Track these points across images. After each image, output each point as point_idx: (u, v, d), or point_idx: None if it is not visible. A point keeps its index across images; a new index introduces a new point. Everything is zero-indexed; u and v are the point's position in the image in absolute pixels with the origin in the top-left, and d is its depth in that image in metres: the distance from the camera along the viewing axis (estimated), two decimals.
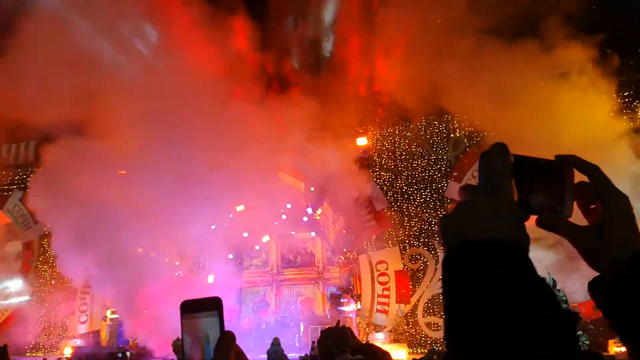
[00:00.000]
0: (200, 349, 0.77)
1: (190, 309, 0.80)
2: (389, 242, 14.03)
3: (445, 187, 13.90)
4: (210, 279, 14.56)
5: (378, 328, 13.31)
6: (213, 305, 0.80)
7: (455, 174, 13.91)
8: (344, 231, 15.23)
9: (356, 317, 14.22)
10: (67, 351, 12.87)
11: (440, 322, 12.94)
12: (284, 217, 16.15)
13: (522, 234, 0.61)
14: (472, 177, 13.69)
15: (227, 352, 0.73)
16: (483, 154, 0.67)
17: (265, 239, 17.93)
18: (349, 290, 15.25)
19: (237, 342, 0.76)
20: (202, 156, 12.62)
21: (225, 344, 0.74)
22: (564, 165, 0.68)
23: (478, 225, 0.60)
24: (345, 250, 15.95)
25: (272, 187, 15.41)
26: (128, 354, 11.81)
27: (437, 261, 13.51)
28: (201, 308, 0.80)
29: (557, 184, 0.67)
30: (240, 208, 15.37)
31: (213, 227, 14.24)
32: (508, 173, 0.64)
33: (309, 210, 16.33)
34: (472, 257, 0.57)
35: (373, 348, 2.25)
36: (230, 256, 14.95)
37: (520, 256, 0.58)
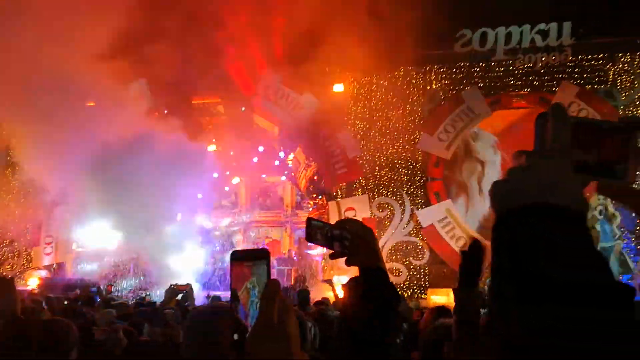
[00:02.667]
0: (246, 293, 0.82)
1: (240, 257, 0.85)
2: (359, 190, 14.23)
3: (418, 139, 14.03)
4: (178, 217, 14.57)
5: (342, 271, 13.72)
6: (262, 255, 0.86)
7: (428, 126, 14.03)
8: (315, 177, 15.35)
9: (322, 260, 14.59)
10: (33, 282, 12.85)
11: (402, 267, 13.44)
12: (255, 159, 16.12)
13: (582, 201, 0.59)
14: (444, 130, 13.84)
15: (273, 298, 0.78)
16: (540, 115, 0.64)
17: (235, 180, 17.93)
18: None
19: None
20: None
21: (272, 291, 0.79)
22: (629, 128, 0.63)
23: (537, 190, 0.57)
24: (314, 195, 16.13)
25: (245, 129, 15.29)
26: (102, 287, 11.87)
27: (403, 210, 13.84)
28: (251, 257, 0.85)
29: (620, 148, 0.63)
30: (211, 148, 15.25)
31: None
32: (567, 136, 0.61)
33: (281, 155, 16.33)
34: (533, 223, 0.56)
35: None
36: (200, 196, 14.92)
37: (581, 223, 0.56)
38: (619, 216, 11.14)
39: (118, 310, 5.95)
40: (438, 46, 14.16)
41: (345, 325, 1.30)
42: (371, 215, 13.83)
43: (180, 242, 14.07)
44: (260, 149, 16.23)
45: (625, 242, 11.65)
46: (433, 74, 14.25)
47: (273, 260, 16.31)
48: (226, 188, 17.75)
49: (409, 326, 4.58)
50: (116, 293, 12.66)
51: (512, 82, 13.65)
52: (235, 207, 19.62)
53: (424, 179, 13.95)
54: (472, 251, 1.92)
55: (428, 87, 14.26)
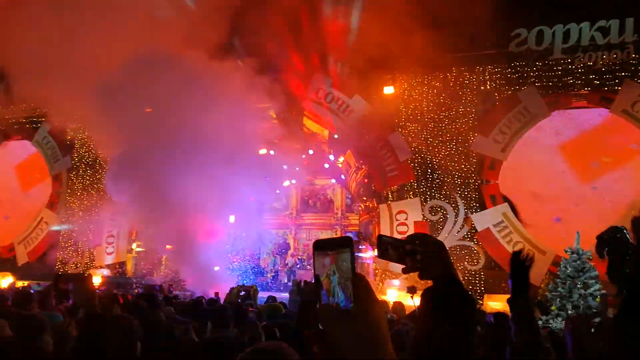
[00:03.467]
0: (327, 280, 0.84)
1: (323, 246, 0.87)
2: (410, 192, 14.06)
3: (472, 140, 13.73)
4: (232, 219, 14.87)
5: (394, 275, 13.58)
6: (345, 243, 0.87)
7: (483, 127, 13.71)
8: (365, 180, 15.30)
9: (373, 263, 14.51)
10: (96, 280, 13.45)
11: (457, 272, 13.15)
12: (305, 163, 16.25)
13: None
14: (499, 131, 13.49)
15: (368, 289, 0.81)
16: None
17: (286, 183, 18.14)
18: (368, 238, 15.49)
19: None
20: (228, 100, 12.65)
21: (365, 283, 0.82)
22: None
23: None
24: (365, 198, 16.08)
25: (295, 133, 15.45)
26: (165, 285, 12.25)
27: (456, 214, 13.56)
28: (334, 245, 0.87)
29: None
30: (262, 152, 15.48)
31: None
32: None
33: (331, 157, 16.39)
34: None
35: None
36: (252, 198, 15.19)
37: None
38: None
39: (177, 308, 6.14)
40: (492, 46, 13.85)
41: (421, 339, 1.34)
42: (423, 219, 13.65)
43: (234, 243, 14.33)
44: (310, 152, 16.35)
45: None
46: (487, 74, 13.92)
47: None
48: (277, 191, 17.98)
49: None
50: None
51: (571, 81, 13.15)
52: (286, 210, 19.86)
53: (479, 181, 13.63)
54: (518, 259, 2.09)
55: (482, 88, 13.93)
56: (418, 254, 1.31)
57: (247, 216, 15.43)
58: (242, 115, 13.20)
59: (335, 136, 15.06)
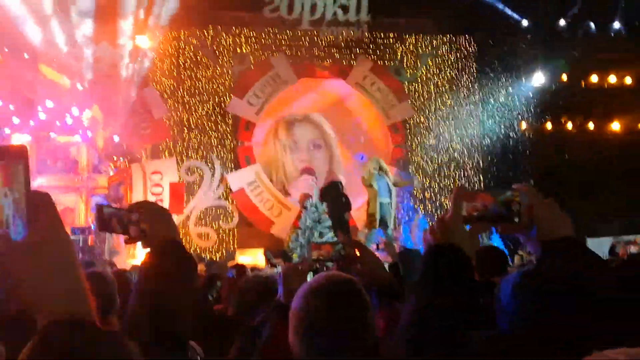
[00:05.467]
0: None
1: None
2: (166, 152, 13.66)
3: (228, 102, 13.96)
4: None
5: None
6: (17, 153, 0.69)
7: (238, 89, 14.03)
8: (116, 138, 14.24)
9: (125, 242, 13.72)
10: None
11: (211, 231, 13.42)
12: (42, 115, 14.22)
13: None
14: (254, 95, 14.00)
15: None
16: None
17: (19, 140, 15.63)
18: (118, 200, 14.52)
19: None
20: None
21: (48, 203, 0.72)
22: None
23: None
24: (115, 158, 14.98)
25: (29, 81, 13.36)
26: None
27: (212, 174, 13.73)
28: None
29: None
30: None
31: None
32: None
33: (75, 111, 14.69)
34: None
35: None
36: None
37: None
38: (390, 171, 12.41)
39: None
40: (248, 8, 14.13)
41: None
42: (179, 180, 13.43)
43: None
44: (50, 104, 14.38)
45: (399, 198, 13.12)
46: (243, 37, 14.21)
47: (68, 229, 14.78)
48: None
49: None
50: None
51: (316, 52, 14.35)
52: None
53: (235, 142, 14.00)
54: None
55: (238, 50, 14.19)
56: (143, 222, 1.26)
57: None
58: None
59: (79, 86, 13.53)
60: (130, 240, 1.31)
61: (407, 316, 1.08)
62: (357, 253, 2.08)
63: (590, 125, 13.97)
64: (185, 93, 13.70)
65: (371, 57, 14.50)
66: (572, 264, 1.08)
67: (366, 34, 14.33)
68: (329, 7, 14.04)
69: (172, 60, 13.74)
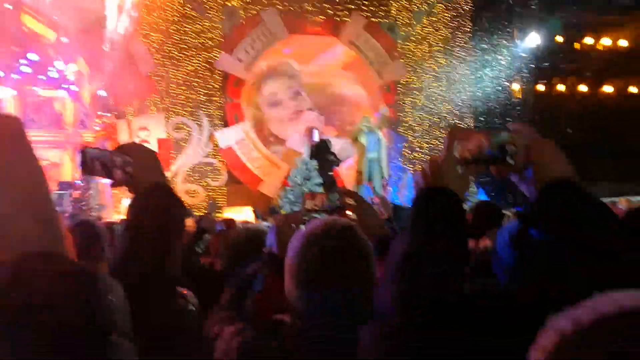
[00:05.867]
0: None
1: None
2: (153, 108, 13.42)
3: (217, 57, 13.64)
4: None
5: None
6: None
7: (227, 45, 13.69)
8: (102, 92, 13.94)
9: (111, 186, 13.62)
10: None
11: (199, 188, 13.36)
12: (26, 69, 13.82)
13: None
14: (243, 50, 13.68)
15: None
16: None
17: (2, 94, 15.24)
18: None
19: None
20: None
21: None
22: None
23: None
24: (101, 113, 14.71)
25: (13, 32, 12.91)
26: None
27: (201, 131, 13.56)
28: None
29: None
30: None
31: None
32: None
33: (60, 65, 14.29)
34: None
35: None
36: None
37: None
38: (379, 130, 12.37)
39: None
40: None
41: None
42: (167, 136, 13.26)
43: None
44: (33, 57, 13.95)
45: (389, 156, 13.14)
46: None
47: (53, 185, 14.65)
48: None
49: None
50: None
51: (309, 8, 13.97)
52: None
53: (223, 99, 13.77)
54: None
55: (228, 4, 13.78)
56: (130, 165, 1.19)
57: None
58: None
59: (64, 39, 13.12)
60: (116, 184, 1.25)
61: (397, 261, 1.00)
62: (354, 203, 2.02)
63: (582, 88, 13.92)
64: (172, 48, 13.35)
65: (365, 13, 14.17)
66: (573, 207, 0.99)
67: None
68: None
69: (159, 13, 13.32)
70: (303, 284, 1.23)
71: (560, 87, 14.38)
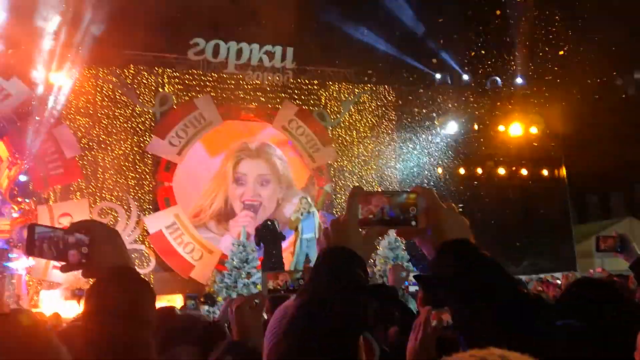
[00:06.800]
0: None
1: None
2: (77, 193, 12.86)
3: (148, 142, 13.51)
4: None
5: (53, 285, 12.15)
6: None
7: (159, 129, 13.65)
8: (22, 177, 13.23)
9: (27, 274, 12.59)
10: None
11: None
12: None
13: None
14: (176, 135, 13.67)
15: None
16: None
17: None
18: (22, 245, 13.33)
19: None
20: None
21: None
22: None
23: None
24: (20, 199, 13.85)
25: None
26: None
27: (129, 217, 13.08)
28: None
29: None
30: None
31: None
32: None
33: None
34: None
35: None
36: None
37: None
38: (317, 212, 12.58)
39: None
40: (171, 50, 14.01)
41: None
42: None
43: None
44: None
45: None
46: (166, 77, 13.98)
47: None
48: None
49: None
50: None
51: (242, 95, 14.38)
52: None
53: (154, 183, 13.48)
54: None
55: (160, 90, 13.90)
56: (84, 245, 1.09)
57: None
58: None
59: None
60: (69, 267, 1.10)
61: (292, 310, 0.97)
62: None
63: (501, 171, 14.94)
64: (101, 132, 13.11)
65: (296, 101, 14.74)
66: (466, 265, 1.01)
67: (291, 79, 14.60)
68: (254, 52, 14.22)
69: (88, 98, 13.17)
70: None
71: (479, 171, 15.32)
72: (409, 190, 1.12)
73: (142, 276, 1.10)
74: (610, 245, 2.88)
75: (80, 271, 1.12)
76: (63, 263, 1.11)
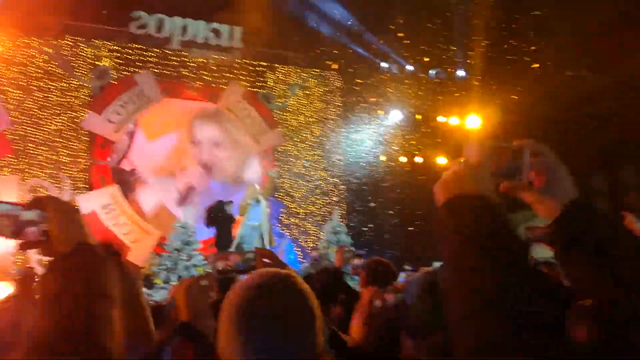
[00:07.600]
0: None
1: None
2: (6, 169, 12.14)
3: (83, 117, 12.90)
4: None
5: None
6: None
7: (96, 104, 13.06)
8: None
9: (20, 248, 11.80)
10: None
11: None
12: None
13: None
14: (114, 111, 13.12)
15: None
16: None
17: None
18: None
19: None
20: None
21: None
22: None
23: None
24: None
25: None
26: None
27: (60, 195, 12.44)
28: None
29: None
30: None
31: None
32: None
33: None
34: None
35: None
36: None
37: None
38: (264, 200, 12.54)
39: None
40: (112, 22, 13.38)
41: None
42: (20, 200, 11.95)
43: None
44: None
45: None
46: (106, 49, 13.34)
47: None
48: None
49: None
50: None
51: (185, 73, 13.96)
52: None
53: (90, 161, 12.91)
54: None
55: (98, 63, 13.26)
56: (46, 221, 1.05)
57: None
58: None
59: None
60: (27, 246, 1.06)
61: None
62: (269, 262, 1.95)
63: (441, 161, 15.37)
64: (34, 105, 12.38)
65: (242, 83, 14.49)
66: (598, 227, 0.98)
67: (237, 60, 14.32)
68: (200, 29, 13.83)
69: (20, 68, 12.38)
70: (243, 335, 1.11)
71: (418, 160, 15.69)
72: (513, 143, 1.05)
73: (102, 251, 1.07)
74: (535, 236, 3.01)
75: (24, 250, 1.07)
76: (21, 241, 1.06)
